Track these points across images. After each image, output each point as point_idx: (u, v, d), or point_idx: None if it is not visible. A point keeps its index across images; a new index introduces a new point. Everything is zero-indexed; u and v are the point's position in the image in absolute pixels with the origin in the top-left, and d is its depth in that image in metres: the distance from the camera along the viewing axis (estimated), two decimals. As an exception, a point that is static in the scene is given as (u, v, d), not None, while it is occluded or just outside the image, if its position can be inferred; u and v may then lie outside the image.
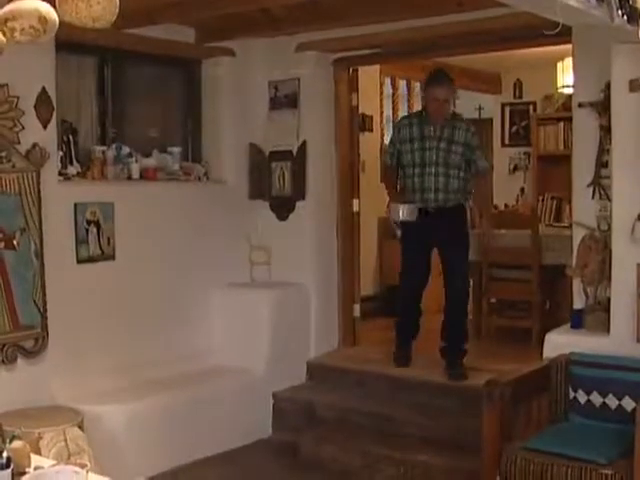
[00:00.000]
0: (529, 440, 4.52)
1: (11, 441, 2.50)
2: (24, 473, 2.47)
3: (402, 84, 10.05)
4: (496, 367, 5.67)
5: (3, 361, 5.35)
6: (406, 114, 6.49)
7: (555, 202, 9.50)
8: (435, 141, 6.16)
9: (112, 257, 5.99)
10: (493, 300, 7.65)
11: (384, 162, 6.67)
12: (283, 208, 6.91)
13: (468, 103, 13.06)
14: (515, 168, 10.79)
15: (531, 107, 10.57)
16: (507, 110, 10.92)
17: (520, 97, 10.72)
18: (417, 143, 6.20)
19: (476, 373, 5.91)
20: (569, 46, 5.56)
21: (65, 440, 4.99)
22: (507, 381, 4.63)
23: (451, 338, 6.34)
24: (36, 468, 2.58)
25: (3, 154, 5.31)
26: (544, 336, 5.33)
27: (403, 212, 6.05)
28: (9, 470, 2.29)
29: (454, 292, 6.29)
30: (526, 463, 4.35)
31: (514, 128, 10.89)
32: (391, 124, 9.63)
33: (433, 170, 6.15)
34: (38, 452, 4.34)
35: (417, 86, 10.50)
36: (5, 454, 2.31)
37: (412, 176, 6.23)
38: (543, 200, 9.57)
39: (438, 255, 6.37)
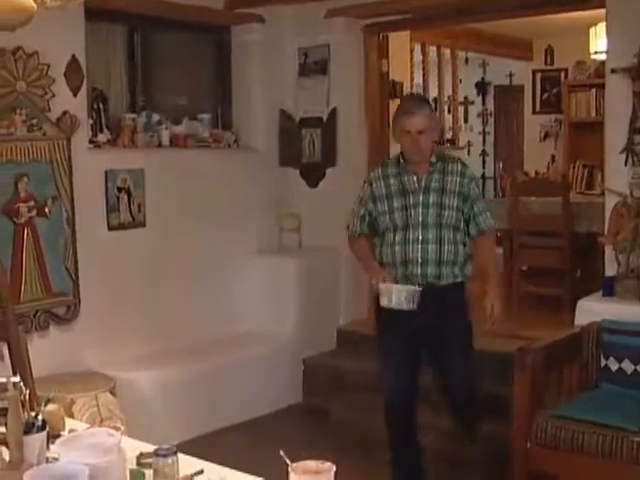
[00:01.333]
0: (560, 407, 4.51)
1: (46, 404, 2.53)
2: (59, 436, 2.49)
3: (432, 50, 9.97)
4: (527, 334, 5.64)
5: (36, 328, 5.40)
6: (382, 162, 4.86)
7: (586, 170, 9.40)
8: (420, 194, 4.47)
9: (142, 224, 6.01)
10: (524, 268, 7.60)
11: (351, 231, 4.72)
12: (313, 175, 6.89)
13: (499, 70, 13.01)
14: (546, 135, 10.71)
15: (562, 74, 10.47)
16: (538, 77, 10.82)
17: (551, 63, 10.62)
18: (396, 200, 4.51)
19: (507, 340, 5.89)
20: (602, 11, 5.50)
21: (97, 405, 5.05)
22: (539, 348, 4.61)
23: (465, 421, 4.82)
24: (70, 431, 2.61)
25: (34, 122, 5.33)
26: (575, 304, 5.31)
27: (401, 298, 4.32)
28: (44, 432, 2.31)
29: (457, 398, 4.69)
30: (557, 430, 4.34)
31: (545, 95, 10.79)
32: (421, 91, 9.57)
33: (419, 234, 4.46)
34: (71, 417, 4.38)
35: (447, 53, 10.44)
36: (40, 417, 2.33)
37: (391, 244, 4.53)
38: (574, 168, 9.47)
39: (429, 353, 4.66)
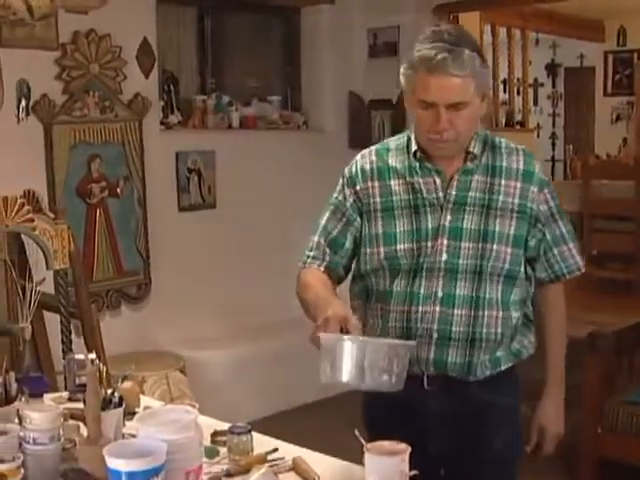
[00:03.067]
0: (632, 393, 4.47)
1: (122, 381, 2.56)
2: (133, 413, 2.52)
3: (502, 32, 9.86)
4: (598, 319, 5.58)
5: (108, 307, 5.49)
6: (372, 146, 2.73)
7: (659, 152, 9.26)
8: (446, 212, 2.54)
9: (213, 205, 6.06)
10: (594, 252, 7.52)
11: (301, 264, 2.74)
12: (383, 157, 6.87)
13: (570, 51, 12.82)
14: (618, 118, 10.58)
15: (635, 55, 10.30)
16: (610, 58, 10.68)
17: (624, 45, 10.47)
18: (400, 220, 2.57)
19: (577, 325, 5.82)
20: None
21: (168, 384, 5.11)
22: (609, 333, 4.56)
23: None
24: (145, 408, 2.64)
25: (107, 104, 5.40)
26: (647, 289, 5.23)
27: (354, 361, 2.21)
28: (121, 409, 2.34)
29: None
30: (628, 416, 4.31)
31: (617, 77, 10.65)
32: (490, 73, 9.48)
33: (438, 288, 2.53)
34: (142, 394, 4.45)
35: (517, 34, 10.32)
36: (117, 394, 2.36)
37: (384, 302, 2.61)
38: (647, 150, 9.34)
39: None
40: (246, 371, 5.73)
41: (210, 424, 2.53)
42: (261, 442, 2.44)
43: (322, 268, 2.68)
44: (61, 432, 2.23)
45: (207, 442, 2.41)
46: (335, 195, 2.75)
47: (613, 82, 10.66)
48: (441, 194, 2.54)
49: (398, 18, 6.70)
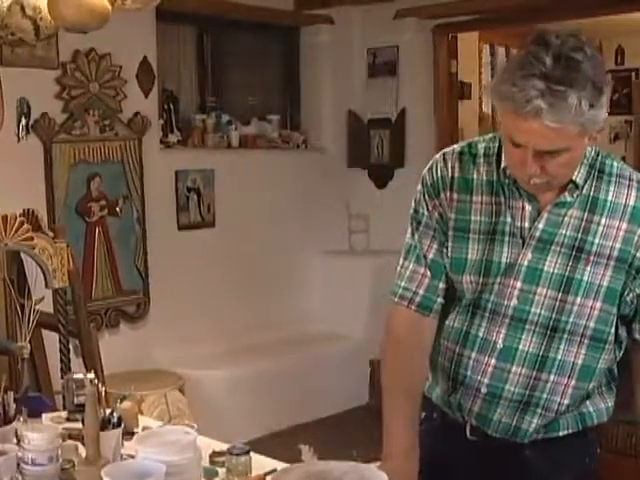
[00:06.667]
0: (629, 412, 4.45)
1: (121, 401, 2.56)
2: (132, 433, 2.52)
3: (501, 51, 9.88)
4: None
5: (106, 325, 5.48)
6: (456, 145, 2.27)
7: (658, 171, 9.28)
8: (528, 248, 2.11)
9: (212, 224, 6.06)
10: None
11: (393, 300, 2.38)
12: (382, 176, 6.87)
13: (568, 70, 12.84)
14: (616, 137, 10.58)
15: (633, 74, 10.33)
16: (608, 77, 10.70)
17: (622, 63, 10.48)
18: (474, 244, 2.16)
19: None
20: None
21: (166, 403, 5.09)
22: None
23: None
24: (144, 428, 2.64)
25: (106, 122, 5.41)
26: None
27: None
28: (120, 429, 2.34)
29: None
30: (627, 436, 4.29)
31: (615, 96, 10.63)
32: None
33: (500, 337, 2.14)
34: (140, 414, 4.44)
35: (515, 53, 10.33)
36: (116, 414, 2.36)
37: (440, 331, 2.28)
38: (645, 169, 9.36)
39: None
40: (245, 390, 5.72)
41: (208, 444, 2.53)
42: (260, 463, 2.43)
43: (420, 308, 2.25)
44: (59, 452, 2.22)
45: (206, 463, 2.40)
46: (415, 211, 2.28)
47: (611, 101, 10.59)
48: (527, 225, 2.09)
49: (397, 38, 6.73)
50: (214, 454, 2.48)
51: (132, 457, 2.23)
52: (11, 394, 2.48)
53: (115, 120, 5.45)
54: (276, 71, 7.01)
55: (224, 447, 2.46)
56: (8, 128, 4.96)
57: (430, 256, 2.22)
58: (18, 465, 2.17)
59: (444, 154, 2.27)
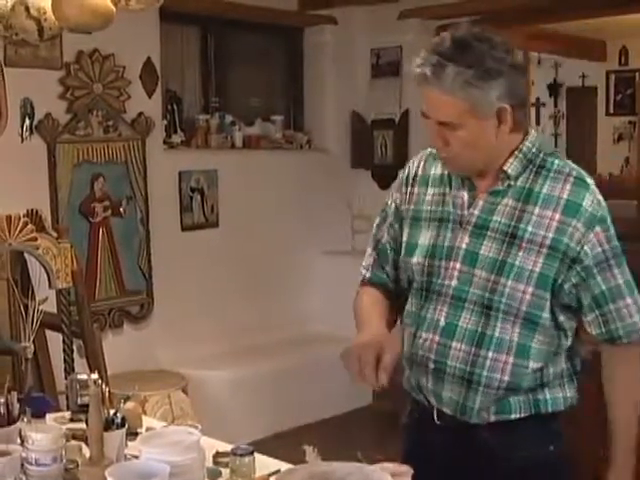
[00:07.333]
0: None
1: (125, 402, 2.56)
2: (136, 434, 2.52)
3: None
4: None
5: (110, 326, 5.48)
6: (430, 148, 2.43)
7: (662, 172, 9.26)
8: (465, 233, 2.29)
9: (216, 224, 6.07)
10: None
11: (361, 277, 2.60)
12: (385, 177, 6.84)
13: (571, 71, 12.83)
14: (620, 137, 10.58)
15: (637, 75, 10.32)
16: (612, 78, 10.68)
17: (626, 64, 10.47)
18: (425, 231, 2.37)
19: None
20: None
21: (170, 404, 5.10)
22: None
23: None
24: (147, 429, 2.64)
25: (110, 123, 5.41)
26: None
27: None
28: (124, 429, 2.34)
29: None
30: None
31: (619, 96, 10.65)
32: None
33: (442, 316, 2.31)
34: (144, 414, 4.44)
35: (519, 54, 10.32)
36: (119, 414, 2.36)
37: (404, 316, 2.47)
38: (649, 170, 9.34)
39: None
40: (249, 391, 5.72)
41: (212, 444, 2.52)
42: (264, 463, 2.43)
43: (374, 283, 2.52)
44: (63, 453, 2.22)
45: (209, 463, 2.40)
46: (388, 195, 2.53)
47: (615, 102, 10.66)
48: (465, 212, 2.28)
49: (401, 38, 6.71)
50: (218, 455, 2.47)
51: (136, 457, 2.23)
52: (15, 394, 2.48)
53: (119, 120, 5.46)
54: (280, 71, 7.02)
55: (228, 448, 2.45)
56: (12, 128, 4.97)
57: (382, 241, 2.49)
58: (22, 465, 2.17)
59: (419, 156, 2.49)
